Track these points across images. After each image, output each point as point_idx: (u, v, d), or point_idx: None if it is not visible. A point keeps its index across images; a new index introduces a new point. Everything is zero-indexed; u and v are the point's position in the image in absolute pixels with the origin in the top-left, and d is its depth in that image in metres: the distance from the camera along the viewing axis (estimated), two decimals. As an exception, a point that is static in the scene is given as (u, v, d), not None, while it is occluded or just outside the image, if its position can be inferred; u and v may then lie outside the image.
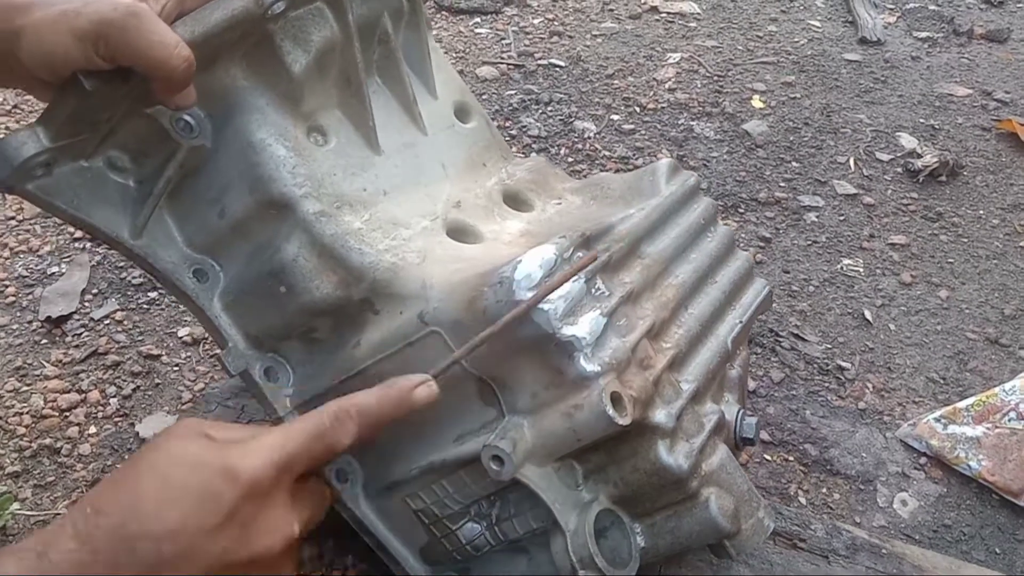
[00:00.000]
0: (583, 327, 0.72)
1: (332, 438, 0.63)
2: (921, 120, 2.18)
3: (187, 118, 0.80)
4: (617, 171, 1.88)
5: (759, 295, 0.98)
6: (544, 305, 0.71)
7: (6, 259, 1.56)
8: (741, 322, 0.92)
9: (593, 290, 0.76)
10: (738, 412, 0.89)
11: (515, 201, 0.97)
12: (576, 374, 0.71)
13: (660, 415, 0.75)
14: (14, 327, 1.43)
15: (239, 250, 0.85)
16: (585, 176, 1.84)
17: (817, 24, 2.61)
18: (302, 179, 0.81)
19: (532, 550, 0.80)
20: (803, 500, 1.27)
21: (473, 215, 0.91)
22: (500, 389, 0.76)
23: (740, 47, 2.46)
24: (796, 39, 2.52)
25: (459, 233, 0.89)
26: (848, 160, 2.01)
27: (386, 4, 0.90)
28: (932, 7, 2.74)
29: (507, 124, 2.04)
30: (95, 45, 0.66)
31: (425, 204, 0.90)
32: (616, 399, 0.70)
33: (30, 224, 1.64)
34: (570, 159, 1.94)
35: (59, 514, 1.13)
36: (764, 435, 1.35)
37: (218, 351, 0.88)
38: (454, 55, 2.31)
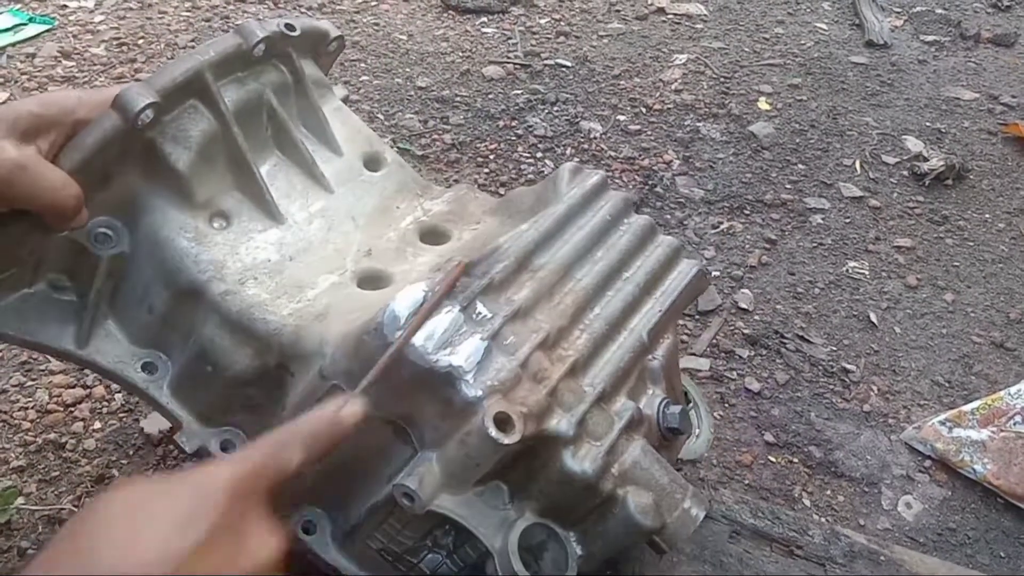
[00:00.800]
0: (461, 355, 0.74)
1: (283, 459, 0.63)
2: (927, 124, 2.17)
3: (104, 230, 0.88)
4: (623, 172, 1.88)
5: (686, 277, 0.97)
6: (416, 341, 0.74)
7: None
8: (661, 311, 0.92)
9: (474, 315, 0.78)
10: (660, 403, 0.88)
11: (433, 235, 1.00)
12: (462, 402, 0.73)
13: (561, 424, 0.76)
14: (20, 322, 1.43)
15: (175, 339, 0.91)
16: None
17: (824, 27, 2.61)
18: (205, 265, 0.88)
19: (484, 566, 0.81)
20: (807, 502, 1.27)
21: (384, 260, 0.95)
22: (410, 427, 0.78)
23: (747, 49, 2.45)
24: (803, 41, 2.52)
25: (370, 280, 0.93)
26: (854, 163, 2.01)
27: (267, 83, 0.96)
28: (939, 11, 2.73)
29: (513, 124, 2.04)
30: None
31: (334, 260, 0.94)
32: (502, 419, 0.72)
33: None
34: (576, 159, 1.94)
35: (63, 508, 1.13)
36: (769, 437, 1.35)
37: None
38: (460, 54, 2.31)
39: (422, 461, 0.76)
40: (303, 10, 2.46)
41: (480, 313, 0.79)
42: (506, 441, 0.71)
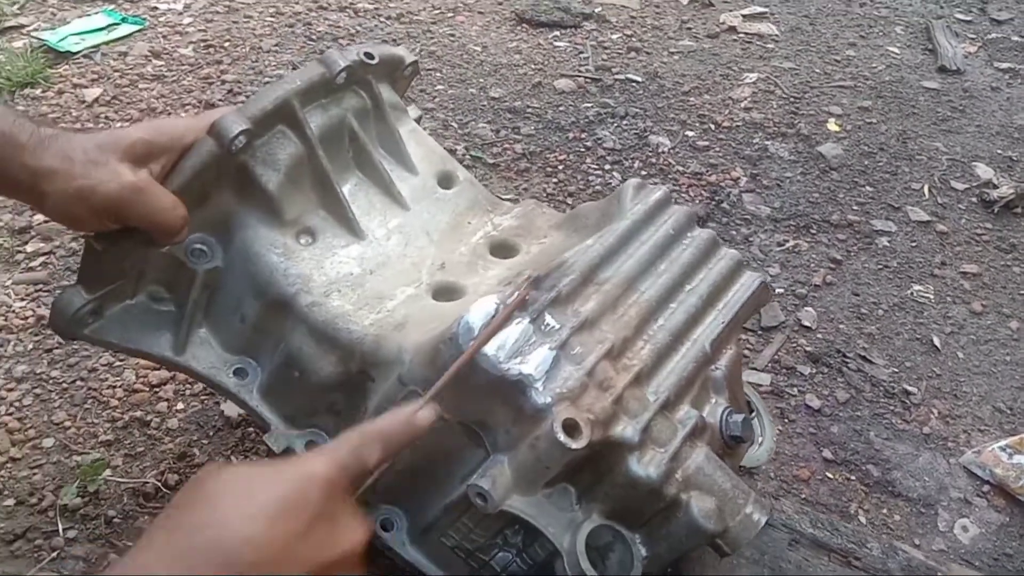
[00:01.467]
0: (531, 363, 0.79)
1: (364, 456, 0.67)
2: (999, 151, 2.16)
3: (200, 246, 0.96)
4: (690, 187, 1.90)
5: (748, 289, 0.99)
6: (488, 350, 0.78)
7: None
8: (723, 323, 0.95)
9: (542, 326, 0.83)
10: (723, 412, 0.91)
11: (503, 249, 1.06)
12: (532, 408, 0.78)
13: (626, 431, 0.80)
14: (109, 305, 1.50)
15: (265, 346, 0.99)
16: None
17: (896, 51, 2.60)
18: (293, 278, 0.95)
19: (553, 565, 0.85)
20: (863, 519, 1.28)
21: (456, 273, 1.01)
22: (482, 431, 0.83)
23: (817, 70, 2.46)
24: (874, 64, 2.52)
25: (444, 293, 0.99)
26: (922, 187, 2.01)
27: (348, 108, 1.04)
28: (1015, 38, 2.71)
29: (583, 136, 2.08)
30: (107, 216, 0.85)
31: (411, 273, 1.01)
32: (570, 425, 0.76)
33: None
34: (644, 173, 1.97)
35: (147, 482, 1.20)
36: (827, 453, 1.37)
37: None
38: (532, 67, 2.36)
39: (494, 463, 0.80)
40: (383, 19, 2.53)
41: (548, 324, 0.83)
42: (574, 446, 0.75)
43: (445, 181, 1.13)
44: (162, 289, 1.00)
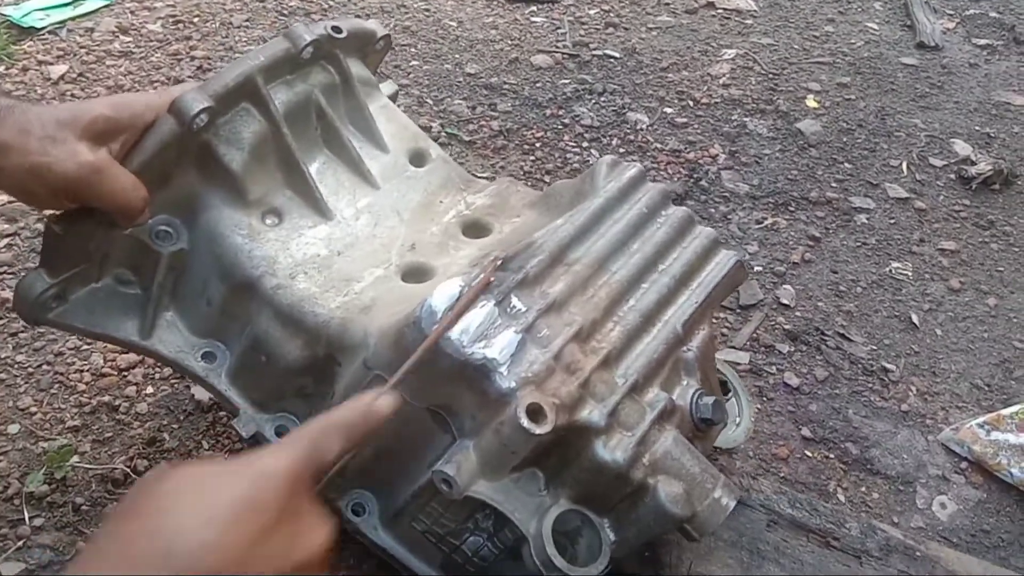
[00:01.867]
0: (495, 347, 0.77)
1: (323, 448, 0.65)
2: (976, 127, 2.16)
3: (164, 227, 0.94)
4: (668, 164, 1.89)
5: (723, 268, 0.98)
6: (452, 334, 0.76)
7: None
8: (696, 303, 0.93)
9: (508, 309, 0.81)
10: (694, 394, 0.89)
11: (475, 229, 1.04)
12: (496, 392, 0.76)
13: (592, 415, 0.79)
14: (76, 287, 1.47)
15: (233, 330, 0.97)
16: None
17: (875, 27, 2.59)
18: (258, 260, 0.93)
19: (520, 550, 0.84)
20: (842, 498, 1.28)
21: (427, 253, 0.99)
22: (448, 416, 0.82)
23: (796, 46, 2.44)
24: (853, 40, 2.50)
25: (413, 274, 0.97)
26: (901, 164, 2.00)
27: (315, 84, 1.00)
28: (993, 14, 2.70)
29: (560, 113, 2.05)
30: (65, 196, 0.82)
31: (380, 254, 0.99)
32: (534, 410, 0.74)
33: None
34: (622, 150, 1.95)
35: (116, 468, 1.17)
36: (806, 432, 1.36)
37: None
38: (509, 42, 2.33)
39: (460, 449, 0.78)
40: (356, -7, 2.49)
41: (515, 307, 0.81)
42: (538, 431, 0.73)
43: (417, 159, 1.10)
44: (128, 272, 0.97)
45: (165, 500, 0.55)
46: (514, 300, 0.81)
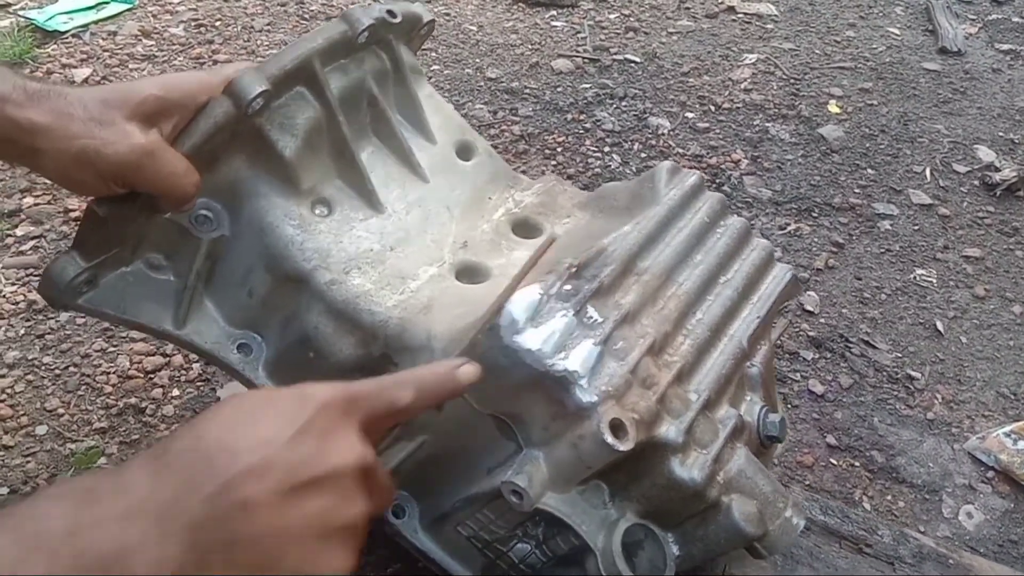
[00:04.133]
0: (575, 360, 0.74)
1: (392, 395, 0.63)
2: (1000, 134, 2.14)
3: (205, 212, 0.89)
4: (691, 169, 1.88)
5: (780, 282, 0.95)
6: (532, 345, 0.74)
7: (95, 224, 1.62)
8: (759, 317, 0.91)
9: (585, 319, 0.78)
10: (760, 411, 0.88)
11: (524, 228, 1.00)
12: (575, 406, 0.73)
13: (669, 431, 0.76)
14: (102, 290, 1.48)
15: (273, 322, 0.93)
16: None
17: (896, 32, 2.58)
18: (310, 253, 0.88)
19: (585, 562, 0.82)
20: (867, 506, 1.27)
21: (480, 252, 0.96)
22: (515, 424, 0.79)
23: (817, 51, 2.44)
24: (874, 45, 2.49)
25: (468, 274, 0.94)
26: (924, 170, 1.99)
27: (368, 70, 0.95)
28: (1016, 19, 2.69)
29: (581, 118, 2.05)
30: (114, 181, 0.78)
31: (432, 251, 0.95)
32: (616, 426, 0.72)
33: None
34: (643, 155, 1.95)
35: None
36: (831, 439, 1.36)
37: None
38: (529, 47, 2.33)
39: (530, 459, 0.76)
40: (376, -3, 2.50)
41: (591, 317, 0.78)
42: (621, 448, 0.71)
43: (464, 152, 1.05)
44: (161, 256, 0.92)
45: (204, 417, 0.57)
46: (590, 310, 0.79)
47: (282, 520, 0.53)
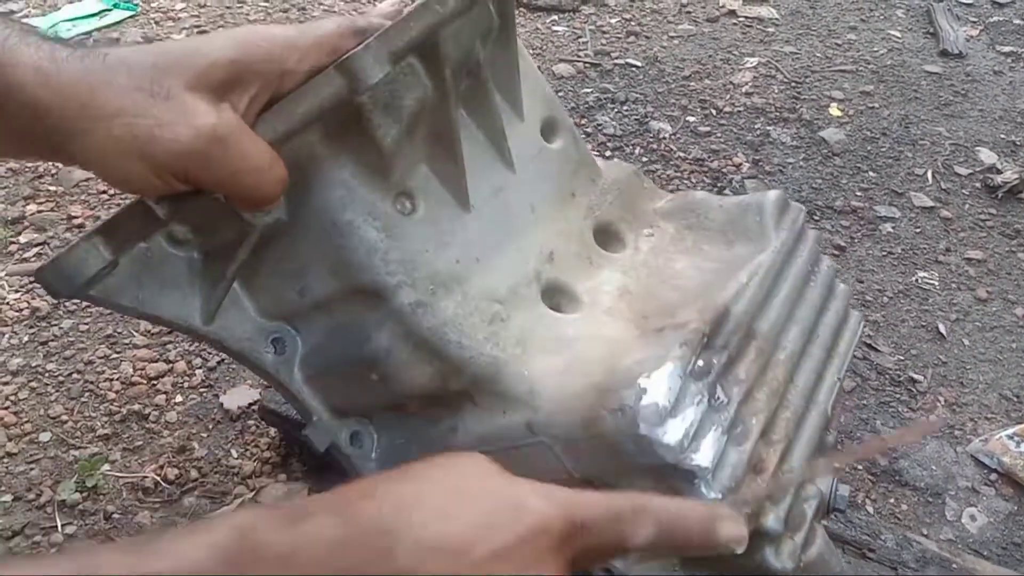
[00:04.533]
0: (706, 453, 0.68)
1: (629, 528, 0.50)
2: (1002, 136, 2.14)
3: None
4: (692, 173, 1.88)
5: (855, 334, 0.89)
6: (671, 440, 0.67)
7: (98, 231, 1.62)
8: (839, 379, 0.84)
9: (713, 401, 0.70)
10: (832, 484, 0.83)
11: (606, 236, 0.89)
12: (694, 498, 0.67)
13: (771, 521, 0.70)
14: (105, 296, 1.48)
15: (320, 323, 0.78)
16: (657, 175, 1.85)
17: (897, 34, 2.58)
18: (395, 266, 0.73)
19: None
20: (870, 509, 1.27)
21: (567, 269, 0.83)
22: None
23: (819, 54, 2.44)
24: (875, 48, 2.49)
25: (555, 295, 0.82)
26: (926, 172, 1.99)
27: (477, 32, 0.75)
28: (1017, 21, 2.69)
29: (583, 122, 2.06)
30: (173, 175, 0.58)
31: (517, 264, 0.80)
32: None
33: (121, 199, 1.70)
34: (644, 159, 1.95)
35: (146, 476, 1.18)
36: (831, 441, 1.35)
37: None
38: (530, 52, 2.33)
39: None
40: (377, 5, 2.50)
41: (719, 398, 0.71)
42: (739, 550, 0.62)
43: (548, 130, 0.87)
44: (186, 229, 0.71)
45: (420, 480, 0.49)
46: (719, 390, 0.72)
47: None
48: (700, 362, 0.71)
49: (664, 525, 0.51)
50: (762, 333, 0.77)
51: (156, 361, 1.35)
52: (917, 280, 1.69)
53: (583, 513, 0.49)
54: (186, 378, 1.33)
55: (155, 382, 1.32)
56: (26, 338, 1.38)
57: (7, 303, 1.43)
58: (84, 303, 1.44)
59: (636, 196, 0.92)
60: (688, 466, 0.67)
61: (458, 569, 0.45)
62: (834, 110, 2.18)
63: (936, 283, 1.69)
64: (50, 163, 1.75)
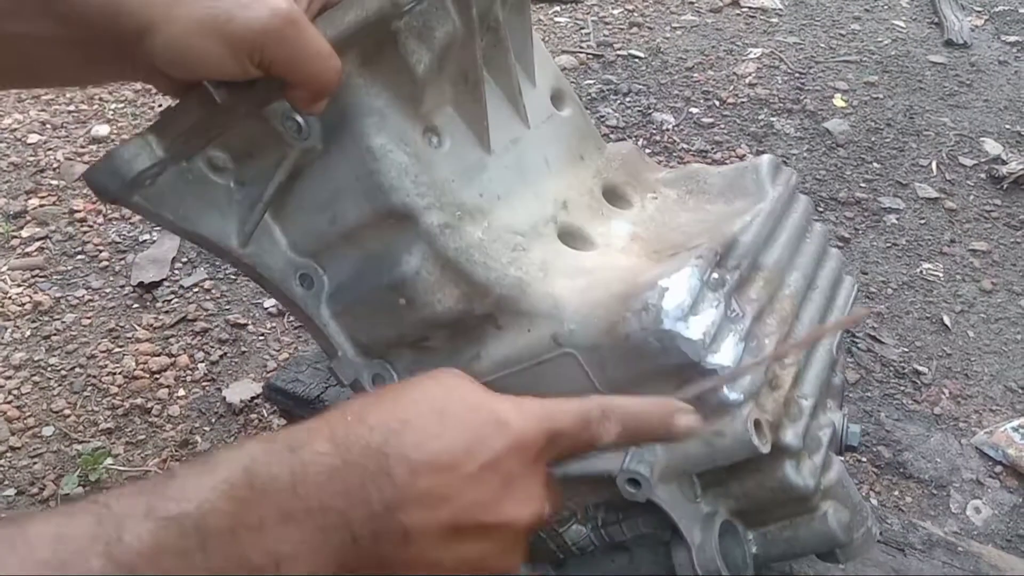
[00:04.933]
0: (726, 355, 0.71)
1: (596, 430, 0.56)
2: (1007, 126, 2.13)
3: (297, 118, 0.75)
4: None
5: (851, 295, 0.94)
6: (693, 335, 0.69)
7: (100, 225, 1.62)
8: (841, 325, 0.89)
9: (729, 312, 0.74)
10: (843, 420, 0.86)
11: (613, 196, 0.94)
12: (718, 401, 0.70)
13: (789, 436, 0.73)
14: (107, 291, 1.48)
15: (347, 257, 0.81)
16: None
17: (901, 24, 2.57)
18: (425, 188, 0.76)
19: (634, 550, 0.81)
20: (875, 501, 1.27)
21: (581, 216, 0.88)
22: None
23: (822, 45, 2.43)
24: (879, 39, 2.48)
25: (571, 238, 0.86)
26: (930, 163, 1.98)
27: None
28: (1022, 10, 2.67)
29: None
30: (250, 55, 0.61)
31: (535, 207, 0.86)
32: (757, 426, 0.70)
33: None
34: (648, 151, 1.94)
35: (149, 470, 1.18)
36: (837, 434, 1.35)
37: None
38: (533, 43, 2.33)
39: (649, 449, 0.73)
40: None
41: (734, 311, 0.75)
42: (763, 449, 0.68)
43: (557, 100, 0.94)
44: (226, 156, 0.76)
45: (409, 402, 0.53)
46: (733, 302, 0.75)
47: (436, 555, 0.51)
48: (715, 275, 0.74)
49: (628, 423, 0.57)
50: (768, 267, 0.82)
51: (159, 355, 1.35)
52: (921, 271, 1.68)
53: (557, 423, 0.55)
54: (189, 372, 1.33)
55: (158, 376, 1.32)
56: (29, 332, 1.38)
57: (9, 297, 1.43)
58: (85, 301, 1.44)
59: (639, 167, 0.97)
60: (711, 365, 0.69)
61: (451, 483, 0.50)
62: (838, 101, 2.17)
63: (941, 274, 1.68)
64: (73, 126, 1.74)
